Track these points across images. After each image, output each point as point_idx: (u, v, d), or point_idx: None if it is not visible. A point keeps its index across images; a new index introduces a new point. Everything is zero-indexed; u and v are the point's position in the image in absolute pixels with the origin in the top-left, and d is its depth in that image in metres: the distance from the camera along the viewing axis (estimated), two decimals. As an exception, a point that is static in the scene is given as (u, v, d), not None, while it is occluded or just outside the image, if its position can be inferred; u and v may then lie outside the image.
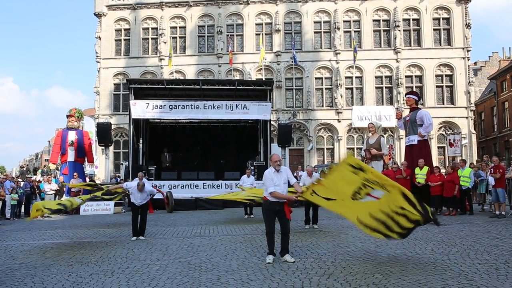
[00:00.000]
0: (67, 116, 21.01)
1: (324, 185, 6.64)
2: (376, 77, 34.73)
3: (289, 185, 7.07)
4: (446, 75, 34.48)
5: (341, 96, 34.19)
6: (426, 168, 13.55)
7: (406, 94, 16.89)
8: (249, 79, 33.21)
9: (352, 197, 6.42)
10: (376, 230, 6.37)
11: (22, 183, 17.54)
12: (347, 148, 34.23)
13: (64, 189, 18.08)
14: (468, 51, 34.24)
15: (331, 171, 6.64)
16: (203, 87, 20.50)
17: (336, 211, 7.04)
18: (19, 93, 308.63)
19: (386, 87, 34.72)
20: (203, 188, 18.19)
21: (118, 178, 23.25)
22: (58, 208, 10.42)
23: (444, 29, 34.86)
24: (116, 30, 36.74)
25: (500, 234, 8.77)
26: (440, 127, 33.80)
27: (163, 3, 35.95)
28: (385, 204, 6.26)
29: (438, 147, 33.51)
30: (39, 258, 7.68)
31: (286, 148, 20.73)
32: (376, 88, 34.73)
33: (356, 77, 34.66)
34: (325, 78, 35.04)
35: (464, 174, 13.03)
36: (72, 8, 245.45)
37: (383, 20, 35.24)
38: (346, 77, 34.71)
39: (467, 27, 34.27)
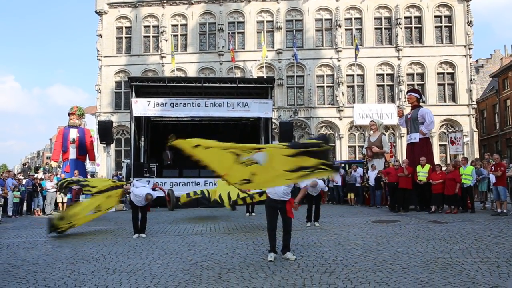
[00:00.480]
0: (69, 114, 20.97)
1: (225, 173, 6.46)
2: (378, 74, 34.68)
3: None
4: (447, 73, 34.41)
5: (343, 94, 34.16)
6: (428, 166, 13.56)
7: (408, 92, 16.91)
8: (250, 77, 33.17)
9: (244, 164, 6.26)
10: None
11: (24, 180, 17.57)
12: (348, 146, 34.24)
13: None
14: (470, 48, 34.15)
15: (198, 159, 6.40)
16: (204, 85, 20.47)
17: (264, 186, 7.04)
18: (21, 91, 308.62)
19: (387, 85, 34.66)
20: (205, 185, 18.14)
21: (120, 176, 23.26)
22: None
23: (445, 26, 34.76)
24: (117, 28, 36.72)
25: (502, 232, 8.76)
26: (442, 125, 33.75)
27: (164, 1, 35.89)
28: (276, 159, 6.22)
29: (440, 145, 33.47)
30: (41, 255, 7.70)
31: (288, 146, 20.68)
32: (378, 86, 34.68)
33: (358, 74, 34.61)
34: (327, 75, 34.99)
35: (466, 172, 13.00)
36: (73, 6, 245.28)
37: (385, 18, 35.16)
38: (347, 75, 34.66)
39: (468, 25, 34.18)
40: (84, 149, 20.62)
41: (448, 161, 27.50)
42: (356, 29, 35.06)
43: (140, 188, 9.90)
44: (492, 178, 12.46)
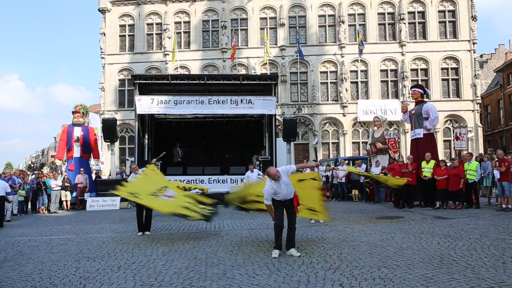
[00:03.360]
0: (73, 112, 21.02)
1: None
2: (381, 70, 34.56)
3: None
4: (451, 68, 34.24)
5: (346, 90, 34.07)
6: (433, 162, 13.50)
7: (412, 87, 16.81)
8: (254, 73, 33.13)
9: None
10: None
11: (30, 178, 17.63)
12: (352, 142, 34.18)
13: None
14: (474, 43, 33.97)
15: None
16: (207, 82, 20.45)
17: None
18: (25, 90, 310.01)
19: (391, 81, 34.54)
20: (209, 183, 18.17)
21: (124, 174, 23.31)
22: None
23: (449, 21, 34.57)
24: (121, 25, 36.75)
25: (507, 228, 8.73)
26: (446, 121, 33.62)
27: (167, -2, 35.89)
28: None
29: (444, 141, 33.36)
30: (47, 253, 7.73)
31: (291, 142, 20.69)
32: (381, 81, 34.57)
33: (361, 70, 34.51)
34: (330, 72, 34.90)
35: (471, 168, 12.94)
36: (76, 4, 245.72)
37: (388, 13, 35.01)
38: (351, 71, 34.57)
39: (473, 20, 33.98)
40: (88, 147, 20.69)
41: (453, 157, 27.37)
42: (360, 24, 34.91)
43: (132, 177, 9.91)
44: (496, 174, 12.41)
